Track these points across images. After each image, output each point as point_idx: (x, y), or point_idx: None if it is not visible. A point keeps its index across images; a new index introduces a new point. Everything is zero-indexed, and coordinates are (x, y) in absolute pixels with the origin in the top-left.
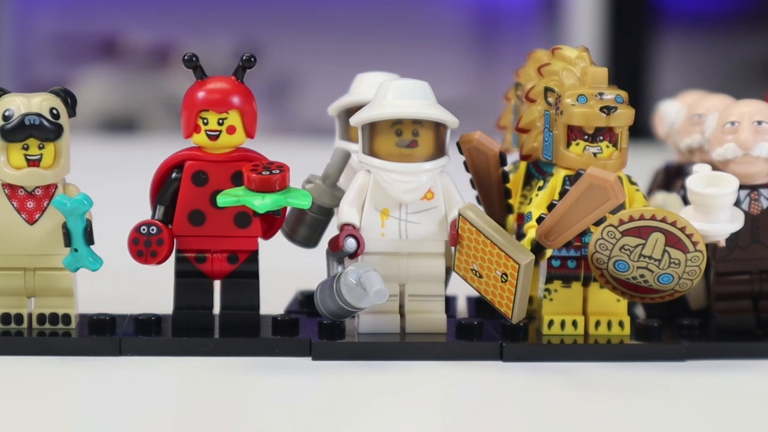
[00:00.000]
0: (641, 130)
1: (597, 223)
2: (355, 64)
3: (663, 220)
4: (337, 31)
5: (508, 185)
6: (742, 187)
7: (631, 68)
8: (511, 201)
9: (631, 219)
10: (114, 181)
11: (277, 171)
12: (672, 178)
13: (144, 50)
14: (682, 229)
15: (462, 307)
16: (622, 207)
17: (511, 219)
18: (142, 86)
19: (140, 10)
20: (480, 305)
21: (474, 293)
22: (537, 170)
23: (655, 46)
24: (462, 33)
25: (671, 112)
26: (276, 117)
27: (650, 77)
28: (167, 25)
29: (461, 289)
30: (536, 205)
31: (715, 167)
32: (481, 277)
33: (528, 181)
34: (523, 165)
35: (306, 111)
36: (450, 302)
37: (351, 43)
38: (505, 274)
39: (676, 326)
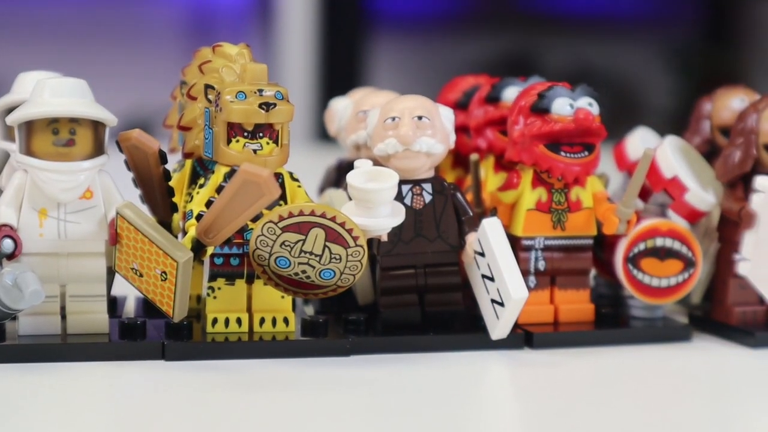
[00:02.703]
0: None
1: (255, 219)
2: (68, 69)
3: (322, 216)
4: (50, 34)
5: (171, 183)
6: (404, 182)
7: (346, 69)
8: (175, 199)
9: (291, 215)
10: None
11: None
12: (343, 174)
13: None
14: (341, 225)
15: (131, 308)
16: (279, 203)
17: (177, 218)
18: None
19: None
20: (149, 305)
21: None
22: (202, 168)
23: (368, 47)
24: (176, 34)
25: (340, 108)
26: None
27: (364, 79)
28: None
29: (131, 290)
30: (197, 203)
31: (377, 163)
32: (141, 276)
33: (194, 179)
34: (188, 163)
35: None
36: (118, 303)
37: (63, 47)
38: (165, 273)
39: (343, 321)
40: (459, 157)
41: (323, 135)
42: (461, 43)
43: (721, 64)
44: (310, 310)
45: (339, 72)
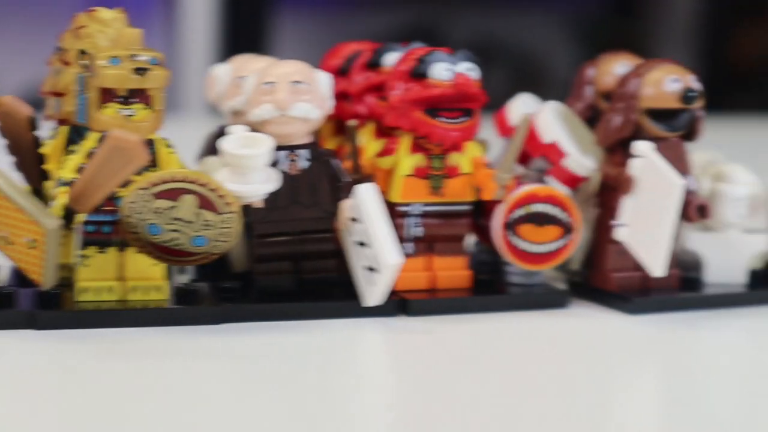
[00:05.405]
0: None
1: (125, 186)
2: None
3: (194, 182)
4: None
5: (45, 150)
6: (281, 147)
7: (249, 41)
8: (48, 166)
9: (162, 181)
10: None
11: None
12: None
13: None
14: (214, 191)
15: (4, 276)
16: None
17: (49, 185)
18: None
19: None
20: (23, 275)
21: None
22: (78, 135)
23: (273, 19)
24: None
25: (220, 74)
26: None
27: (268, 51)
28: None
29: (4, 259)
30: (67, 169)
31: (254, 128)
32: (11, 243)
33: (70, 146)
34: (63, 130)
35: None
36: None
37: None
38: (34, 240)
39: (217, 289)
40: (341, 124)
41: None
42: (366, 15)
43: (626, 36)
44: (185, 279)
45: (242, 43)
